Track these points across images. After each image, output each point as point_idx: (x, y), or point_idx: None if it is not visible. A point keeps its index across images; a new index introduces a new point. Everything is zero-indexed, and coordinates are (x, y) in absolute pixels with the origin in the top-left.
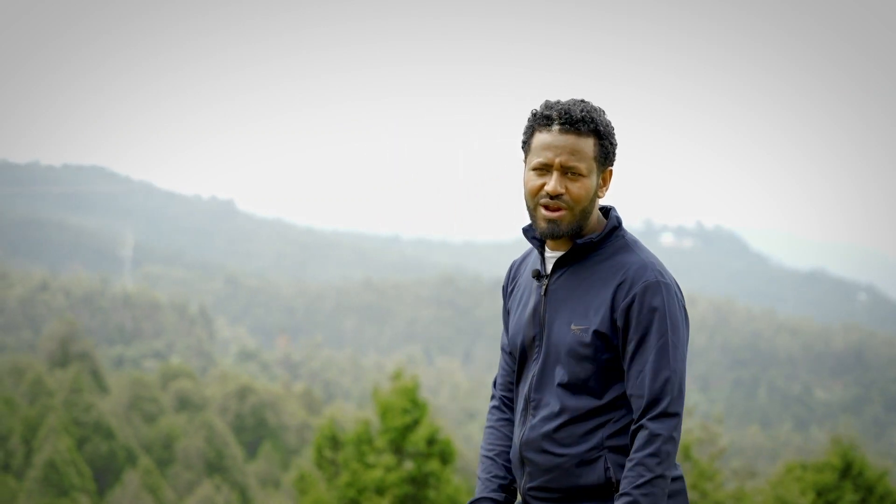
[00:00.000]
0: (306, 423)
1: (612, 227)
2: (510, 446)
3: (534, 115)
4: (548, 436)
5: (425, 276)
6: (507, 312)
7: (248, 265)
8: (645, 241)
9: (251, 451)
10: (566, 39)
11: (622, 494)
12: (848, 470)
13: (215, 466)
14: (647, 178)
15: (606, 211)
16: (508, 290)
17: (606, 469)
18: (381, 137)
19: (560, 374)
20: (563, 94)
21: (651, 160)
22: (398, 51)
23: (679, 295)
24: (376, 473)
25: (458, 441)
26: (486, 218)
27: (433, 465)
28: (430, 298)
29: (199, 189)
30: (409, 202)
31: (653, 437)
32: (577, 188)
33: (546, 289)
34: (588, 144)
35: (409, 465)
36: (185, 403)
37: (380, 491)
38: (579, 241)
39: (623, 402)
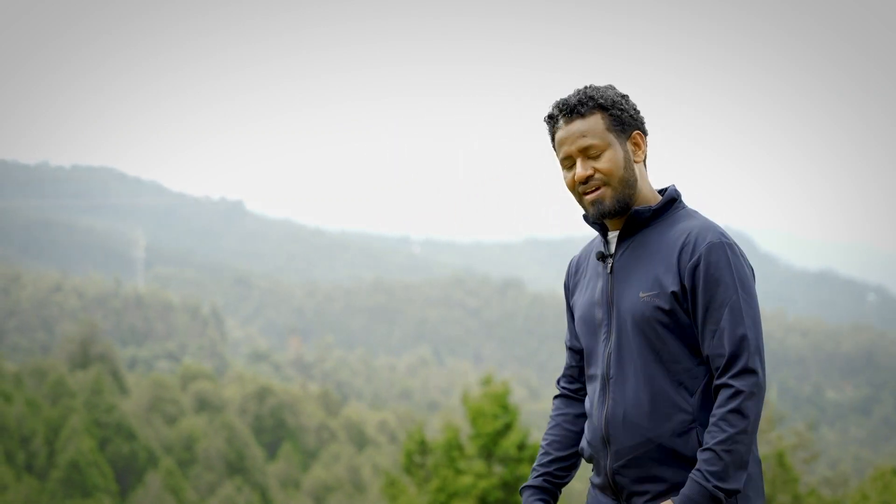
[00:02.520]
0: (324, 424)
1: (671, 198)
2: (565, 434)
3: (545, 121)
4: (636, 409)
5: (434, 277)
6: (570, 309)
7: (258, 266)
8: None
9: (271, 451)
10: (566, 39)
11: (704, 449)
12: None
13: (236, 467)
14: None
15: (665, 191)
16: (571, 286)
17: (699, 441)
18: (381, 137)
19: (637, 346)
20: (563, 94)
21: (651, 161)
22: (398, 51)
23: (744, 254)
24: (467, 480)
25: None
26: (493, 218)
27: (524, 469)
28: (440, 299)
29: (208, 190)
30: (414, 202)
31: (736, 393)
32: (602, 163)
33: (612, 267)
34: (595, 121)
35: (499, 470)
36: (204, 404)
37: (470, 496)
38: (636, 208)
39: (706, 367)
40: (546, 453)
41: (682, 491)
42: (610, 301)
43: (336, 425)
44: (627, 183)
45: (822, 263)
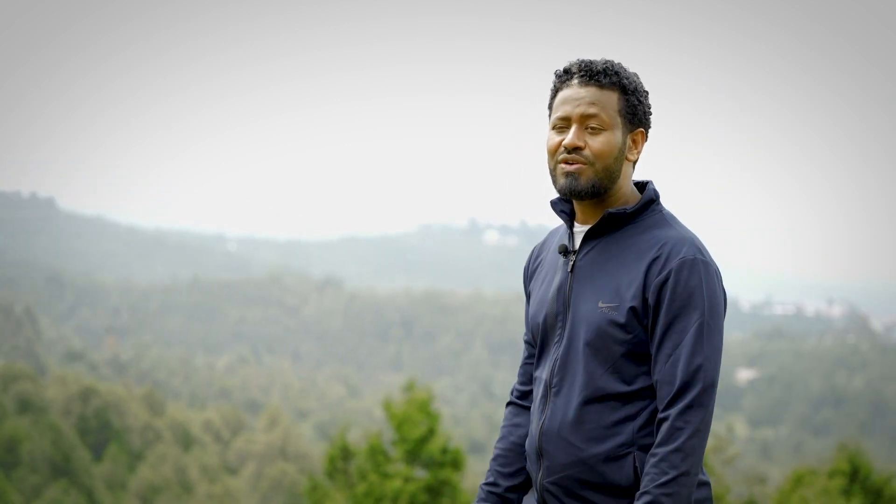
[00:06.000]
0: (149, 425)
1: (649, 199)
2: (512, 448)
3: (556, 74)
4: (571, 425)
5: (252, 275)
6: (528, 297)
7: (71, 264)
8: (468, 241)
9: (97, 453)
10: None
11: (643, 493)
12: (856, 475)
13: (62, 469)
14: (475, 180)
15: (643, 186)
16: (530, 272)
17: (636, 468)
18: (191, 131)
19: (586, 357)
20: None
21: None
22: (197, 49)
23: (719, 276)
24: (394, 483)
25: (298, 439)
26: (309, 215)
27: (447, 473)
28: (258, 297)
29: (18, 185)
30: (229, 199)
31: (678, 430)
32: (597, 142)
33: (573, 265)
34: (611, 97)
35: (422, 474)
36: (26, 405)
37: (396, 500)
38: (611, 210)
39: (655, 391)
40: (491, 470)
41: None
42: (567, 302)
43: (161, 425)
44: (611, 174)
45: None
